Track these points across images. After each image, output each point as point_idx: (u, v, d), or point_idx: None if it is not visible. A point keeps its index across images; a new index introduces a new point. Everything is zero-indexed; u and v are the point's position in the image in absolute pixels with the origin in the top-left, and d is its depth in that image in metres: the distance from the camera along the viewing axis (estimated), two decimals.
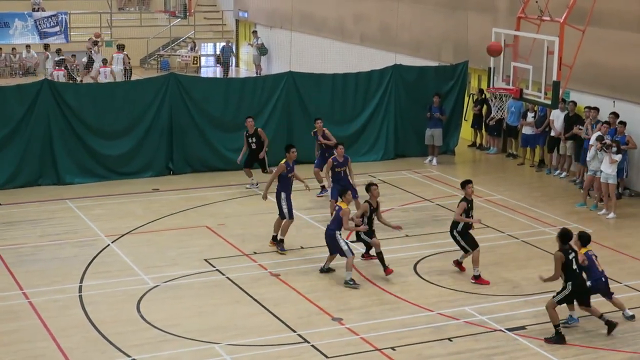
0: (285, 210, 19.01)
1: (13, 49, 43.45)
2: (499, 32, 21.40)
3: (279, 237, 19.01)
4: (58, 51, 39.76)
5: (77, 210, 21.85)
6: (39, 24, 44.10)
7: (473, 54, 29.01)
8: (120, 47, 38.88)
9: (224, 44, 45.49)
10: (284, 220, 19.01)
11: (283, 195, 19.08)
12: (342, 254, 17.27)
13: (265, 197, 19.44)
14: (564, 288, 14.99)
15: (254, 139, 23.68)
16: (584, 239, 15.52)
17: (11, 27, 43.88)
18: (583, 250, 15.42)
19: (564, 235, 15.03)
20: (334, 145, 22.47)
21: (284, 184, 19.16)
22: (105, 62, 37.29)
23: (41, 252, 19.02)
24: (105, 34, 44.43)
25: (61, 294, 16.73)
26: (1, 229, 20.45)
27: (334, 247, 17.47)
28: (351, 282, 17.11)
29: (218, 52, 46.13)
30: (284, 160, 19.40)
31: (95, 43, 40.02)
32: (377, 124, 27.74)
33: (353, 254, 17.40)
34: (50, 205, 22.38)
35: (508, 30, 21.69)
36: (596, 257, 15.67)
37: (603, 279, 15.60)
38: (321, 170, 22.92)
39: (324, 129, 23.67)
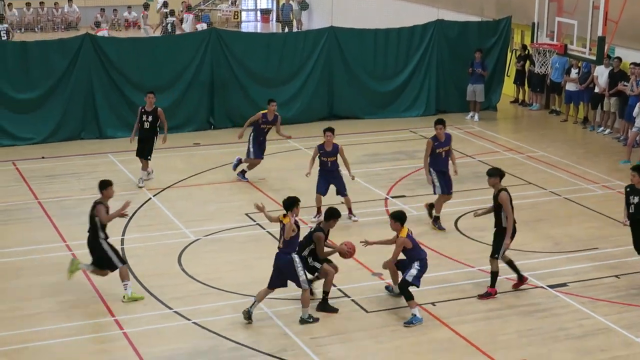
0: (251, 149, 20.44)
1: (55, 3, 43.63)
2: None
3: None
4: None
5: (119, 164, 22.00)
6: None
7: (516, 9, 28.64)
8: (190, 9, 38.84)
9: (283, 1, 44.06)
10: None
11: (252, 136, 20.52)
12: (299, 284, 13.86)
13: (240, 136, 20.74)
14: None
15: (149, 118, 20.32)
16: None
17: None
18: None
19: None
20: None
21: (257, 130, 20.47)
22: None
23: (84, 205, 19.09)
24: None
25: None
26: (44, 182, 20.66)
27: (290, 275, 13.89)
28: (310, 319, 13.98)
29: (275, 9, 44.97)
30: (262, 111, 20.40)
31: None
32: (418, 80, 27.55)
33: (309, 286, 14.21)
34: (93, 159, 22.55)
35: None
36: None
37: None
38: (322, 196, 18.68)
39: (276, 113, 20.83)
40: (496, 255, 14.79)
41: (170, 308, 14.38)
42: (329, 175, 18.24)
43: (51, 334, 13.51)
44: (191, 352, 13.02)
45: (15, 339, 13.30)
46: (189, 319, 14.00)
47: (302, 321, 13.88)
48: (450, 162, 18.04)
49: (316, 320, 13.92)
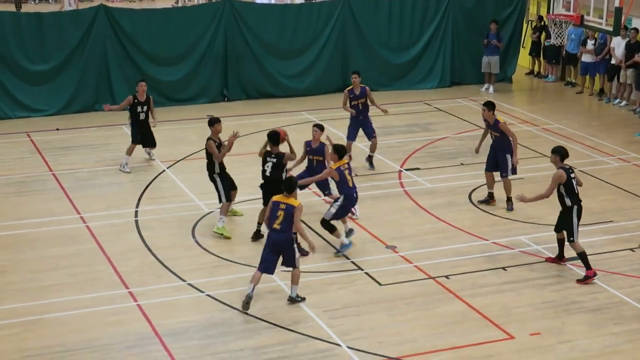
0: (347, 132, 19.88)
1: None
2: None
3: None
4: None
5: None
6: None
7: None
8: None
9: None
10: None
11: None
12: (294, 263, 13.65)
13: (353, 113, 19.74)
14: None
15: (144, 108, 19.60)
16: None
17: None
18: None
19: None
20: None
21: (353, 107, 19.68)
22: None
23: (98, 177, 19.23)
24: None
25: (118, 219, 16.93)
26: (59, 154, 20.70)
27: (287, 253, 13.62)
28: (298, 299, 13.82)
29: None
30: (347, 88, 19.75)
31: None
32: (433, 51, 27.40)
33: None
34: (106, 131, 22.56)
35: None
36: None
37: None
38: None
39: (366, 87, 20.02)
40: (572, 239, 14.54)
41: (184, 280, 14.41)
42: (358, 122, 19.59)
43: (66, 305, 13.57)
44: (205, 325, 13.06)
45: (30, 310, 13.37)
46: (202, 292, 14.03)
47: (292, 300, 13.69)
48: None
49: (303, 299, 13.71)
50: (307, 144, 17.06)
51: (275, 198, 13.61)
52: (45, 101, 23.92)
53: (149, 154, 20.26)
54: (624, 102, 25.46)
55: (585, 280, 14.46)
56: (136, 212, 17.27)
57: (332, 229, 15.31)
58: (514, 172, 17.46)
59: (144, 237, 16.09)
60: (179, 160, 20.27)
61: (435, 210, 17.44)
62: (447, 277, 14.61)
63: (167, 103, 24.76)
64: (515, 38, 28.07)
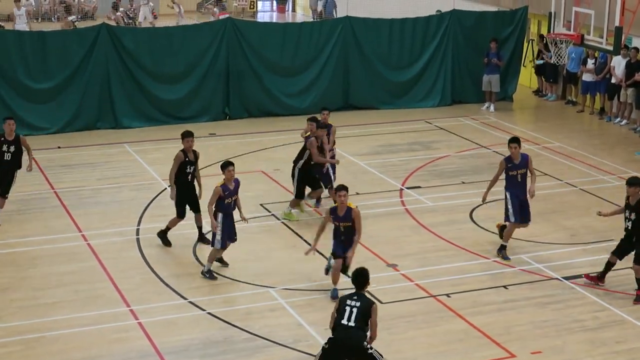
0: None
1: None
2: None
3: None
4: None
5: (135, 154, 22.05)
6: None
7: None
8: None
9: None
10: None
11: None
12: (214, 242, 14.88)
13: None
14: None
15: (11, 148, 17.35)
16: None
17: None
18: None
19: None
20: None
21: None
22: None
23: (99, 195, 19.26)
24: None
25: (119, 237, 16.96)
26: (61, 172, 20.74)
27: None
28: (207, 275, 14.93)
29: (320, 8, 41.61)
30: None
31: None
32: (434, 70, 27.48)
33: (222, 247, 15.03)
34: (109, 149, 22.61)
35: None
36: None
37: None
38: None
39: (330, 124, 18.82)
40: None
41: (185, 298, 14.42)
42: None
43: (67, 323, 13.58)
44: (206, 343, 13.06)
45: (32, 328, 13.38)
46: (203, 309, 14.04)
47: (202, 274, 15.03)
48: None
49: (215, 278, 14.89)
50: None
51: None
52: (48, 119, 23.95)
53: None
54: (624, 121, 25.51)
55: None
56: (137, 230, 17.29)
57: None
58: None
59: (145, 254, 16.11)
60: None
61: (436, 229, 17.46)
62: (448, 295, 14.62)
63: (170, 121, 24.82)
64: (515, 57, 28.15)
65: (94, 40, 24.09)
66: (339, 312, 11.36)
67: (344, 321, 11.26)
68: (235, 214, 15.17)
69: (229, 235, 14.99)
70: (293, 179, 17.84)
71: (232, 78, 25.47)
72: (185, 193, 16.24)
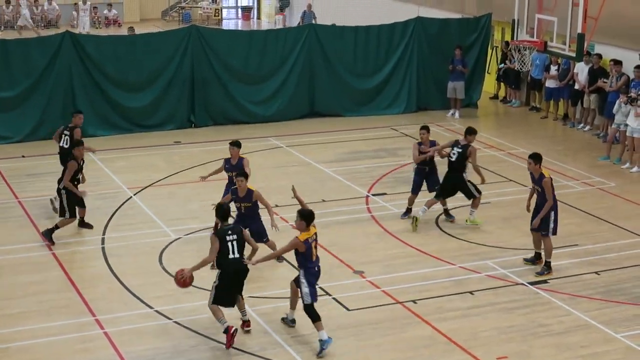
0: None
1: (35, 0, 43.40)
2: None
3: None
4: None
5: (100, 162, 21.92)
6: None
7: (497, 6, 28.73)
8: None
9: (305, 9, 39.18)
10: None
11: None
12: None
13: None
14: None
15: None
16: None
17: None
18: None
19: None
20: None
21: None
22: None
23: None
24: None
25: (84, 246, 16.86)
26: (25, 181, 20.58)
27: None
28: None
29: (299, 20, 39.61)
30: None
31: None
32: (399, 77, 27.57)
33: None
34: None
35: None
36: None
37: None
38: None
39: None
40: None
41: (151, 307, 14.36)
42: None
43: (33, 333, 13.46)
44: (172, 352, 13.01)
45: None
46: (170, 318, 13.98)
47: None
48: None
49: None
50: (226, 161, 17.13)
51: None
52: (11, 128, 23.73)
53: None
54: (587, 127, 25.72)
55: None
56: (103, 239, 17.20)
57: (315, 318, 13.14)
58: (555, 232, 15.90)
59: (111, 264, 16.02)
60: (146, 187, 20.21)
61: (402, 235, 17.51)
62: (414, 301, 14.66)
63: (134, 129, 24.72)
64: (480, 64, 28.32)
65: (57, 48, 23.91)
66: (224, 248, 12.91)
67: (231, 255, 12.97)
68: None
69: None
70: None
71: (197, 86, 25.40)
72: None
